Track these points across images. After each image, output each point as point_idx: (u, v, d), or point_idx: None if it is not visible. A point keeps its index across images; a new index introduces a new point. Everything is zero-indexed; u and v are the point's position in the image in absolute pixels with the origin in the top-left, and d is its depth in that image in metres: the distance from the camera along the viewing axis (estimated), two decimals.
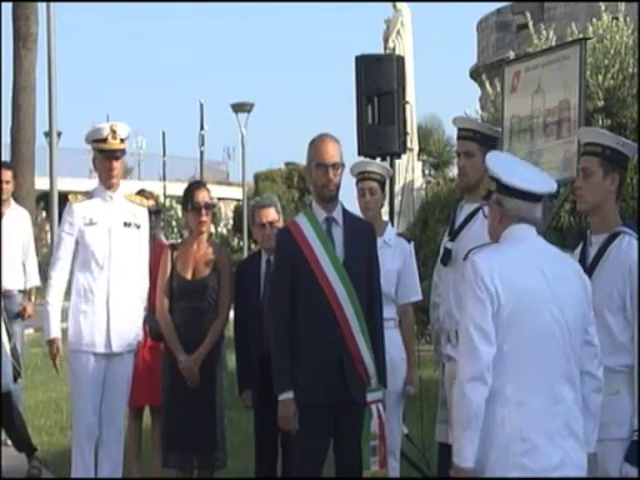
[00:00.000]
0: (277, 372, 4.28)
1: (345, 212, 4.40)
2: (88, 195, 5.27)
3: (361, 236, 4.38)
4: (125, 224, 5.20)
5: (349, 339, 4.21)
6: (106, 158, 5.14)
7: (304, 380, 4.22)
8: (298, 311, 4.27)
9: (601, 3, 15.48)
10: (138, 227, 5.26)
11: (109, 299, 5.12)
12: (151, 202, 5.81)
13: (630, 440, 3.55)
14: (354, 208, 5.36)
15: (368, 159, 6.13)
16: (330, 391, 4.18)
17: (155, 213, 5.85)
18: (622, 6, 15.60)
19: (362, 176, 5.23)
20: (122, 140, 5.15)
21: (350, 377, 4.20)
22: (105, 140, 5.11)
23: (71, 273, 5.15)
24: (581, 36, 12.40)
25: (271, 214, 5.20)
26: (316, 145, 4.35)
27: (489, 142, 4.59)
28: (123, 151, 5.20)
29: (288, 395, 4.19)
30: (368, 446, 4.20)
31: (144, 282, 5.28)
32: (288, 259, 4.34)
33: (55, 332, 5.13)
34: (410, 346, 5.16)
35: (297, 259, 4.28)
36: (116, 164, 5.14)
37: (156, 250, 5.53)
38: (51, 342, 5.15)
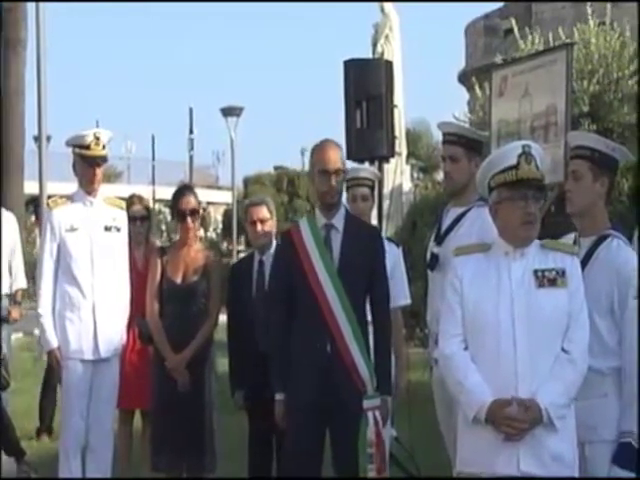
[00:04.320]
0: (273, 374, 4.40)
1: (348, 218, 4.38)
2: (68, 198, 5.24)
3: (363, 242, 4.33)
4: (106, 228, 5.19)
5: (341, 346, 4.18)
6: (89, 165, 5.13)
7: (293, 384, 4.23)
8: (294, 316, 4.27)
9: (588, 8, 15.53)
10: (118, 230, 5.25)
11: (95, 305, 5.11)
12: (137, 207, 5.79)
13: (618, 442, 3.55)
14: None
15: (357, 164, 6.12)
16: (319, 397, 4.16)
17: (142, 219, 5.83)
18: (609, 11, 15.67)
19: (353, 182, 5.21)
20: (104, 146, 5.14)
21: (341, 383, 4.17)
22: (88, 147, 5.09)
23: (55, 280, 5.11)
24: (568, 41, 12.45)
25: (262, 212, 5.23)
26: (318, 151, 4.33)
27: (475, 146, 4.57)
28: (105, 158, 5.19)
29: (279, 397, 4.30)
30: (365, 453, 4.16)
31: (126, 284, 5.28)
32: (286, 263, 4.35)
33: (53, 343, 5.10)
34: (399, 349, 5.14)
35: (294, 264, 4.27)
36: (98, 171, 5.14)
37: (148, 254, 5.54)
38: (50, 353, 5.13)
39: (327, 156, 4.29)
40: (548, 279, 3.36)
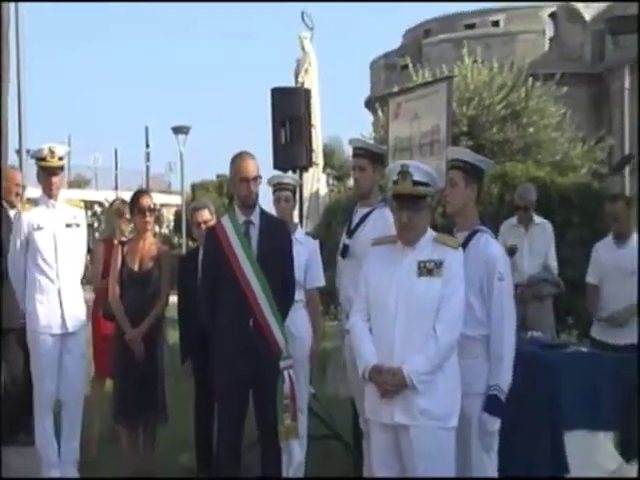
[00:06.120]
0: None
1: (263, 215, 4.36)
2: (35, 202, 5.18)
3: (275, 234, 4.34)
4: (67, 225, 5.12)
5: (261, 320, 4.19)
6: (47, 174, 5.04)
7: (222, 361, 4.22)
8: (218, 298, 4.24)
9: (464, 50, 15.87)
10: (78, 226, 5.19)
11: (60, 289, 5.04)
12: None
13: (487, 394, 3.63)
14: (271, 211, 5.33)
15: (281, 172, 6.10)
16: (244, 367, 4.16)
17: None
18: (480, 52, 16.04)
19: (278, 187, 5.20)
20: (60, 158, 5.04)
21: (262, 353, 4.18)
22: (45, 159, 4.99)
23: (25, 269, 5.04)
24: (449, 74, 12.69)
25: (205, 214, 5.21)
26: (238, 162, 4.29)
27: (378, 158, 4.61)
28: (62, 167, 5.10)
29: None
30: (282, 404, 4.23)
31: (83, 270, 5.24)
32: (212, 254, 4.33)
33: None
34: (316, 323, 5.15)
35: (219, 255, 4.24)
36: (55, 179, 5.04)
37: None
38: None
39: (246, 166, 4.26)
40: (427, 269, 3.41)
